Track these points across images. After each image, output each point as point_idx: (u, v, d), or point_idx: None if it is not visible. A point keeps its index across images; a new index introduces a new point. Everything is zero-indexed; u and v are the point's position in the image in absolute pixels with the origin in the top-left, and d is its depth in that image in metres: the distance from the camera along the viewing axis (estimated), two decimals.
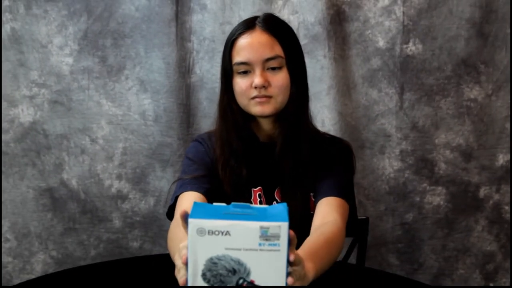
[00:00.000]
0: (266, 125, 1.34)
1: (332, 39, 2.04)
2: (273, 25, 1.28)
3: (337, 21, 2.05)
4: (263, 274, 0.76)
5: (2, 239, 2.14)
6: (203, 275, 0.76)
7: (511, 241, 2.16)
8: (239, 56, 1.26)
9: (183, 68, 2.09)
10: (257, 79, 1.23)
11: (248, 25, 1.27)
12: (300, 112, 1.32)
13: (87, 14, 2.05)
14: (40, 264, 2.17)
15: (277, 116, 1.31)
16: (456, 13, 2.03)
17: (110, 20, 2.06)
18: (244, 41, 1.26)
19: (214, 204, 0.80)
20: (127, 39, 2.07)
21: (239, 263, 0.75)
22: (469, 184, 2.13)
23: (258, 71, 1.24)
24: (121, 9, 2.05)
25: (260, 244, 0.74)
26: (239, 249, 0.75)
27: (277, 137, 1.32)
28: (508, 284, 2.17)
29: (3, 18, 2.03)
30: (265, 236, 0.74)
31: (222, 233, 0.74)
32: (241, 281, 0.76)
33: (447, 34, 2.04)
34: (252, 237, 0.74)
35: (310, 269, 0.93)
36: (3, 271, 2.15)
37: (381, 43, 2.06)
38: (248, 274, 0.76)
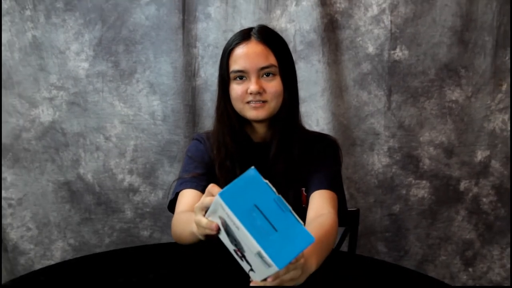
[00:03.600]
0: (260, 128, 1.34)
1: (326, 45, 2.04)
2: (267, 36, 1.27)
3: (331, 29, 2.05)
4: (252, 261, 0.78)
5: (24, 228, 2.15)
6: (219, 217, 0.79)
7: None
8: (236, 65, 1.25)
9: (189, 72, 2.09)
10: (252, 86, 1.23)
11: (244, 36, 1.27)
12: (292, 116, 1.31)
13: (102, 23, 2.06)
14: (59, 251, 2.19)
15: (271, 121, 1.31)
16: (439, 22, 2.04)
17: (122, 28, 2.06)
18: (240, 50, 1.25)
19: (267, 183, 0.78)
20: (138, 45, 2.08)
21: (239, 243, 0.77)
22: (450, 178, 2.15)
23: (253, 78, 1.24)
24: (132, 18, 2.06)
25: (255, 254, 0.74)
26: (241, 240, 0.76)
27: (270, 140, 1.32)
28: (485, 269, 2.19)
29: (25, 27, 2.04)
30: (260, 256, 0.73)
31: (234, 224, 0.74)
32: (237, 246, 0.79)
33: (431, 41, 2.05)
34: (251, 247, 0.74)
35: (313, 264, 0.95)
36: (25, 257, 2.17)
37: (371, 49, 2.07)
38: (244, 251, 0.78)
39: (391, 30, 2.05)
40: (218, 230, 0.83)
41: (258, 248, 0.72)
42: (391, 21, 2.04)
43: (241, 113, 1.29)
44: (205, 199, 0.86)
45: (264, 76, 1.25)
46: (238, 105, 1.28)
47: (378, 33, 2.05)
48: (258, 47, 1.25)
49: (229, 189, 0.75)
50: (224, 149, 1.30)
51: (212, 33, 2.07)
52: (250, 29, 1.29)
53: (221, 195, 0.74)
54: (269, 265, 0.73)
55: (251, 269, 0.81)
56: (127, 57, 2.08)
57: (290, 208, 0.76)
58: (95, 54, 2.08)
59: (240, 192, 0.75)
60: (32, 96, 2.09)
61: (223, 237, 0.83)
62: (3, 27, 2.04)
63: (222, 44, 2.01)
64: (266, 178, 0.92)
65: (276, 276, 0.79)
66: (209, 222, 0.85)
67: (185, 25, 2.07)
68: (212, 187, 0.86)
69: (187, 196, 1.27)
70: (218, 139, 1.32)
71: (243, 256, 0.80)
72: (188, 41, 2.08)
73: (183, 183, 1.30)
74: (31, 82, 2.08)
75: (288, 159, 1.30)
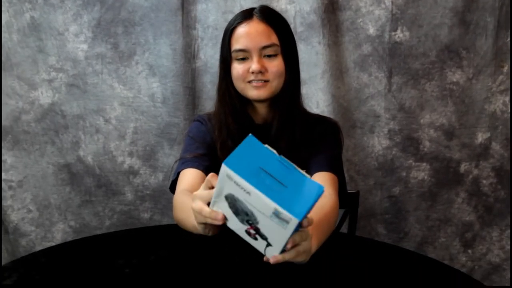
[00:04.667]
0: (261, 109, 1.33)
1: (326, 27, 2.03)
2: (269, 16, 1.26)
3: (331, 10, 2.04)
4: (268, 231, 0.78)
5: (25, 210, 2.16)
6: (225, 197, 0.78)
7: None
8: (237, 44, 1.24)
9: (189, 54, 2.08)
10: (254, 65, 1.22)
11: (245, 15, 1.26)
12: (293, 97, 1.30)
13: (100, 4, 2.04)
14: (60, 233, 2.20)
15: (272, 101, 1.30)
16: (440, 3, 2.02)
17: (121, 9, 2.05)
18: (242, 30, 1.24)
19: (266, 147, 0.77)
20: (137, 27, 2.06)
21: (252, 213, 0.76)
22: (450, 160, 2.15)
23: (255, 57, 1.23)
24: None
25: (271, 216, 0.73)
26: (254, 207, 0.75)
27: (272, 120, 1.31)
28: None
29: (23, 8, 2.03)
30: (277, 215, 0.72)
31: (244, 190, 0.73)
32: (250, 222, 0.77)
33: (432, 22, 2.04)
34: (266, 209, 0.73)
35: (314, 244, 0.93)
36: (26, 239, 2.18)
37: (371, 30, 2.05)
38: (257, 223, 0.77)
39: (392, 11, 2.03)
40: (224, 219, 0.82)
41: (273, 205, 0.71)
42: (392, 2, 2.02)
43: (243, 92, 1.28)
44: (203, 192, 0.84)
45: (266, 55, 1.24)
46: (239, 85, 1.27)
47: (379, 14, 2.04)
48: (260, 26, 1.24)
49: (232, 156, 0.74)
50: (225, 129, 1.30)
51: (211, 15, 2.05)
52: (252, 9, 1.28)
53: (226, 163, 0.73)
54: (287, 222, 0.72)
55: (268, 244, 0.80)
56: (126, 39, 2.07)
57: (295, 165, 0.76)
58: (94, 36, 2.06)
59: (243, 158, 0.75)
60: (31, 78, 2.08)
61: (232, 221, 0.81)
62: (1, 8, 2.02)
63: (222, 25, 2.04)
64: None
65: (293, 241, 0.78)
66: (213, 211, 0.82)
67: (185, 6, 2.05)
68: (212, 177, 0.85)
69: (189, 175, 1.26)
70: (220, 120, 1.31)
71: (256, 233, 0.79)
72: (187, 23, 2.06)
73: (184, 162, 1.29)
74: (30, 63, 2.07)
75: (290, 140, 1.29)
